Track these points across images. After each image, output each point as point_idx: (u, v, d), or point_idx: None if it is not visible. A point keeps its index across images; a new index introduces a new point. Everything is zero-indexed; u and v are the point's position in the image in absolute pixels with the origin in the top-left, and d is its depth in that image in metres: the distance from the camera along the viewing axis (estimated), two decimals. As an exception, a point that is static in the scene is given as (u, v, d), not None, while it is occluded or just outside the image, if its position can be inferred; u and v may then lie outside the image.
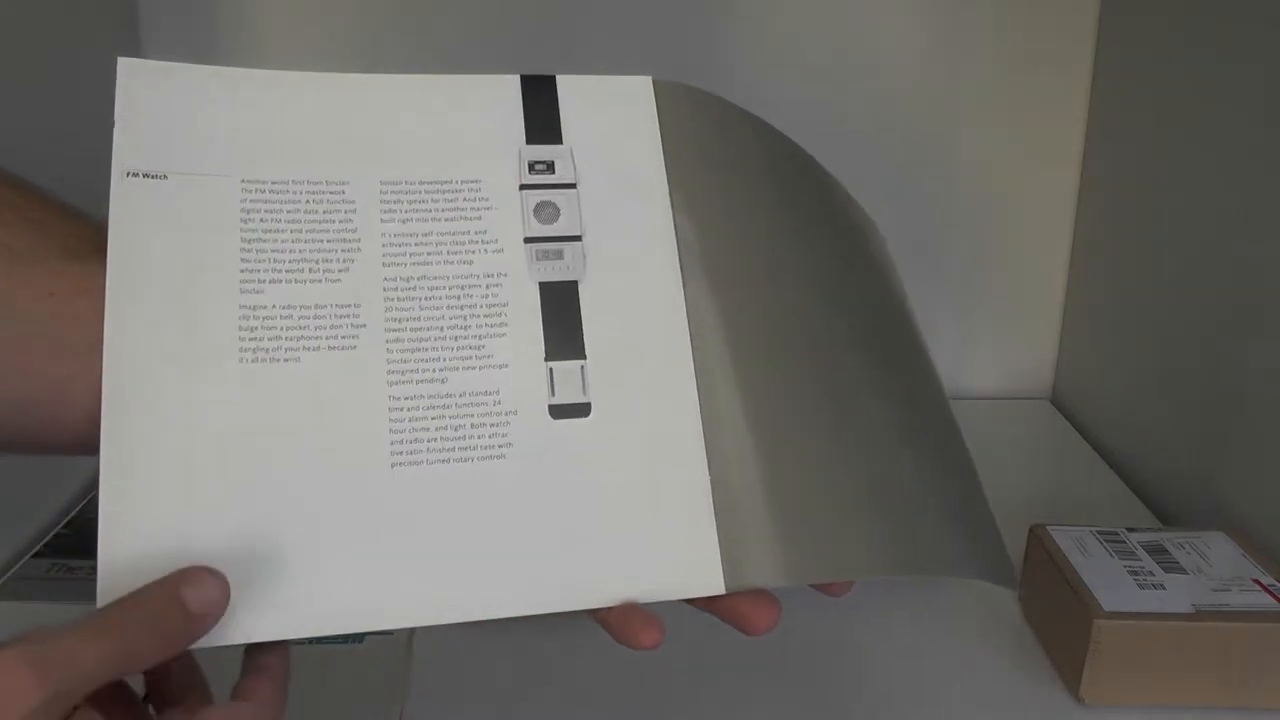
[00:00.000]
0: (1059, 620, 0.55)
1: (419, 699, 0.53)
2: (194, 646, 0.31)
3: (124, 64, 0.36)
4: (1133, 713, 0.52)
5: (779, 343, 0.37)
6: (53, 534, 0.65)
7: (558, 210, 0.38)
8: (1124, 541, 0.57)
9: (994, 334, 0.91)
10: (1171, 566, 0.55)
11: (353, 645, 0.54)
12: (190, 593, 0.31)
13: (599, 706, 0.52)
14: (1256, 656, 0.51)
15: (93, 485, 0.73)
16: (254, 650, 0.33)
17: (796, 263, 0.39)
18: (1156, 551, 0.56)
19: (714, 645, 0.56)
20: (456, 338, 0.36)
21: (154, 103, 0.36)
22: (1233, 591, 0.52)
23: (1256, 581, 0.53)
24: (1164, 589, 0.53)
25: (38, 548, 0.64)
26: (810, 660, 0.56)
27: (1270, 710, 0.51)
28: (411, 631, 0.55)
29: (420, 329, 0.36)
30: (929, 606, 0.60)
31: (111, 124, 0.36)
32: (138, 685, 0.34)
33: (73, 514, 0.68)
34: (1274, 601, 0.52)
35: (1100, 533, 0.58)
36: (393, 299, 0.36)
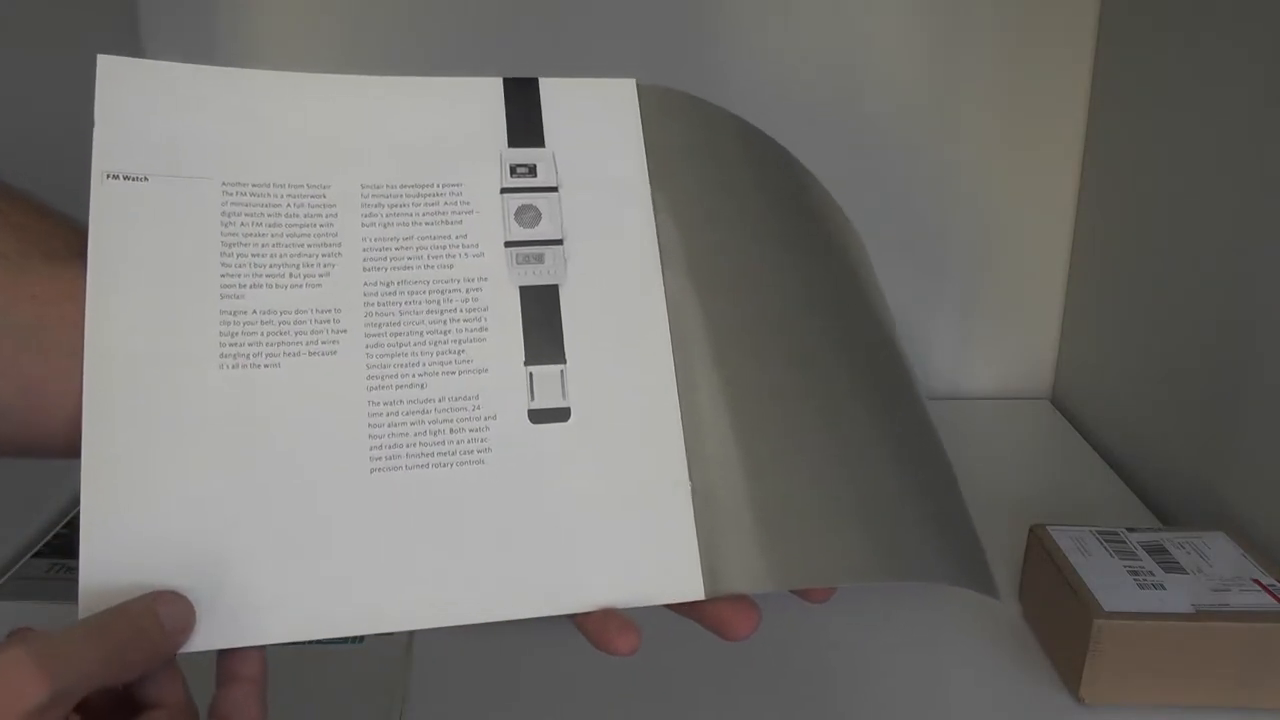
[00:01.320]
0: (1059, 620, 0.55)
1: (419, 699, 0.53)
2: (179, 651, 0.32)
3: (103, 62, 0.36)
4: (1133, 713, 0.51)
5: (761, 346, 0.37)
6: (53, 534, 0.65)
7: (539, 214, 0.38)
8: (1124, 541, 0.57)
9: (994, 334, 0.91)
10: (1171, 566, 0.55)
11: (353, 645, 0.54)
12: (164, 611, 0.31)
13: (599, 707, 0.52)
14: (1256, 656, 0.51)
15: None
16: (232, 660, 0.33)
17: (779, 265, 0.39)
18: (1156, 551, 0.56)
19: (714, 644, 0.56)
20: (436, 343, 0.36)
21: (134, 102, 0.36)
22: (1233, 591, 0.52)
23: (1256, 581, 0.53)
24: (1164, 589, 0.53)
25: (38, 548, 0.64)
26: (809, 660, 0.56)
27: (1270, 710, 0.51)
28: (411, 631, 0.55)
29: (400, 334, 0.36)
30: (928, 606, 0.60)
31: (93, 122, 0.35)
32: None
33: (73, 514, 0.68)
34: (1274, 601, 0.52)
35: (1100, 533, 0.58)
36: (373, 304, 0.36)
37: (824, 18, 0.82)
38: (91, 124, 0.35)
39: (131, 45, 0.78)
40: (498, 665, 0.55)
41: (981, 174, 0.86)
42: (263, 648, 0.33)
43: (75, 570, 0.61)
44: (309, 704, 0.50)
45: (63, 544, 0.64)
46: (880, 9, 0.82)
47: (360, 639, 0.54)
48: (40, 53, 0.64)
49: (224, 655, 0.33)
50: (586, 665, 0.54)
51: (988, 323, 0.90)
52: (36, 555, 0.63)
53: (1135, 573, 0.54)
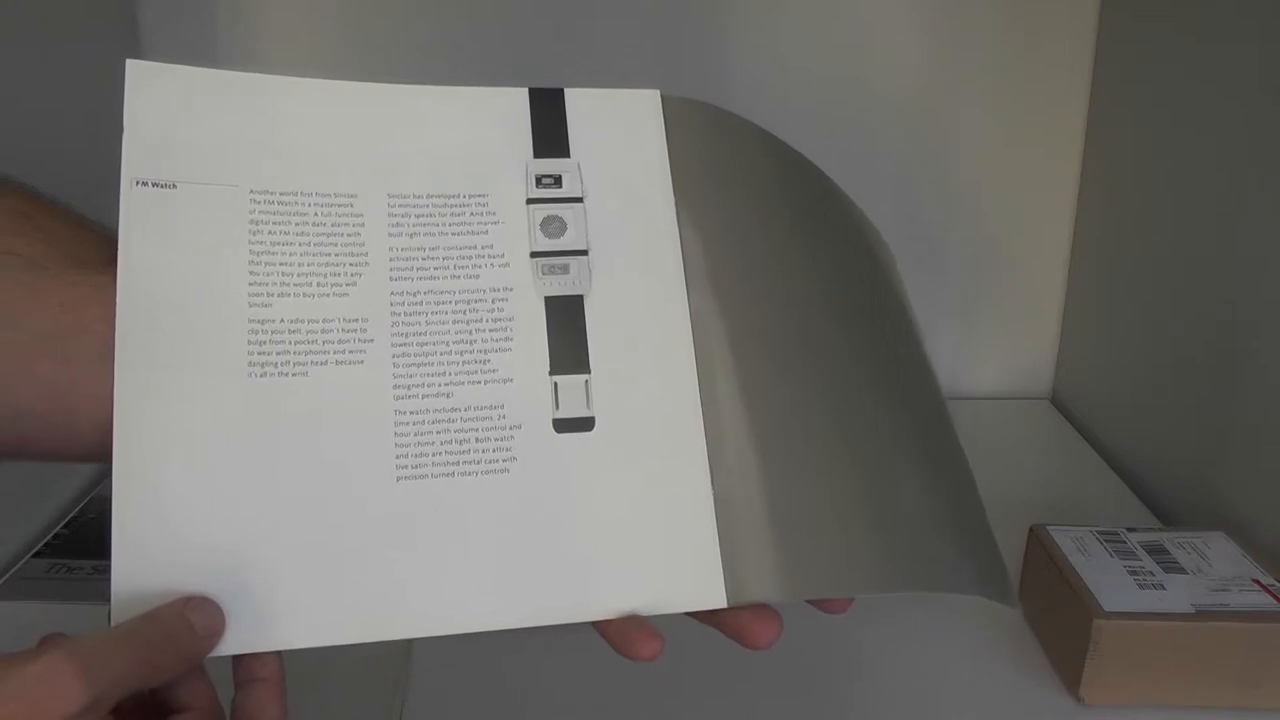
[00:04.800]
0: (1059, 620, 0.55)
1: (419, 699, 0.53)
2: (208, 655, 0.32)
3: (132, 67, 0.36)
4: (1133, 713, 0.52)
5: (783, 357, 0.37)
6: (53, 534, 0.65)
7: (564, 224, 0.38)
8: (1124, 541, 0.57)
9: (994, 334, 0.91)
10: (1171, 566, 0.55)
11: (353, 645, 0.54)
12: (195, 617, 0.31)
13: (599, 708, 0.52)
14: (1256, 656, 0.51)
15: (93, 485, 0.73)
16: (248, 663, 0.33)
17: (802, 277, 0.39)
18: (1156, 551, 0.56)
19: (712, 643, 0.56)
20: (462, 352, 0.36)
21: (163, 108, 0.36)
22: (1233, 591, 0.52)
23: (1256, 581, 0.53)
24: (1164, 589, 0.53)
25: (38, 548, 0.64)
26: (810, 659, 0.56)
27: (1270, 710, 0.51)
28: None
29: (426, 344, 0.36)
30: (930, 606, 0.60)
31: (110, 126, 0.35)
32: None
33: (73, 514, 0.68)
34: (1274, 601, 0.52)
35: (1100, 533, 0.58)
36: (399, 314, 0.36)
37: (824, 18, 0.82)
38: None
39: (131, 45, 0.78)
40: (498, 665, 0.55)
41: (981, 174, 0.86)
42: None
43: (75, 570, 0.61)
44: (309, 704, 0.50)
45: (63, 544, 0.64)
46: (881, 9, 0.82)
47: (361, 639, 0.54)
48: (39, 52, 0.64)
49: (241, 658, 0.33)
50: (586, 665, 0.54)
51: (988, 323, 0.90)
52: (36, 555, 0.63)
53: (1135, 573, 0.54)
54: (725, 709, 0.53)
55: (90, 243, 0.35)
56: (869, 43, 0.83)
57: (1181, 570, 0.54)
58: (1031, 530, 0.59)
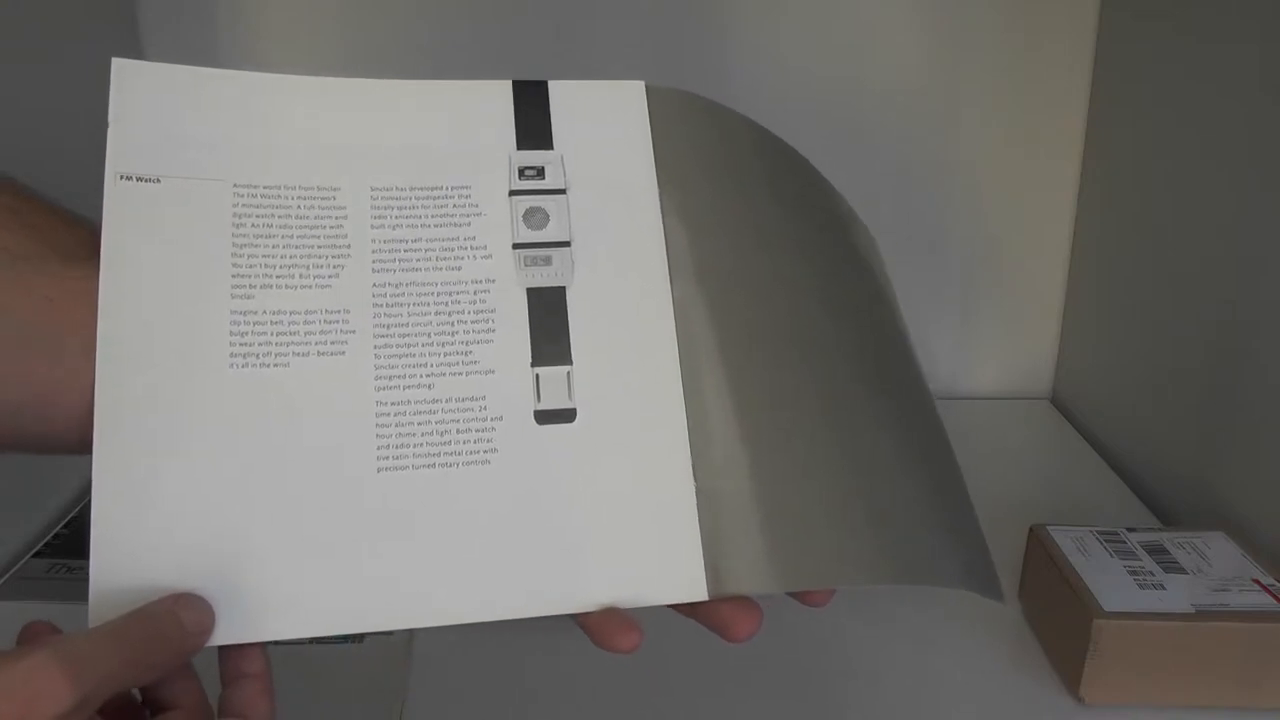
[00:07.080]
0: (1059, 620, 0.55)
1: (419, 699, 0.53)
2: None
3: (118, 65, 0.36)
4: (1133, 713, 0.52)
5: (767, 348, 0.37)
6: (53, 534, 0.65)
7: (547, 216, 0.38)
8: (1124, 541, 0.57)
9: (994, 334, 0.91)
10: (1171, 566, 0.55)
11: (352, 645, 0.54)
12: (185, 614, 0.31)
13: (598, 707, 0.52)
14: (1256, 656, 0.51)
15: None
16: (235, 659, 0.33)
17: (787, 268, 0.39)
18: (1156, 551, 0.56)
19: (713, 643, 0.56)
20: (444, 344, 0.36)
21: (148, 104, 0.36)
22: (1233, 591, 0.52)
23: (1256, 581, 0.53)
24: (1164, 589, 0.53)
25: (38, 548, 0.64)
26: (809, 660, 0.56)
27: (1270, 710, 0.51)
28: (411, 631, 0.55)
29: (408, 335, 0.36)
30: (929, 606, 0.60)
31: (107, 124, 0.36)
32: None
33: (73, 514, 0.68)
34: (1274, 601, 0.52)
35: (1100, 533, 0.58)
36: (381, 305, 0.36)
37: (824, 18, 0.82)
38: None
39: (131, 45, 0.78)
40: (497, 664, 0.55)
41: (981, 174, 0.86)
42: (264, 645, 0.33)
43: (75, 570, 0.61)
44: (309, 704, 0.50)
45: (63, 544, 0.64)
46: (881, 9, 0.82)
47: (360, 638, 0.54)
48: (39, 52, 0.64)
49: (228, 655, 0.33)
50: (586, 664, 0.54)
51: (988, 323, 0.90)
52: (36, 555, 0.63)
53: (1135, 573, 0.54)
54: (726, 710, 0.53)
55: (78, 238, 0.35)
56: (869, 43, 0.83)
57: (1181, 570, 0.54)
58: (1031, 530, 0.59)
